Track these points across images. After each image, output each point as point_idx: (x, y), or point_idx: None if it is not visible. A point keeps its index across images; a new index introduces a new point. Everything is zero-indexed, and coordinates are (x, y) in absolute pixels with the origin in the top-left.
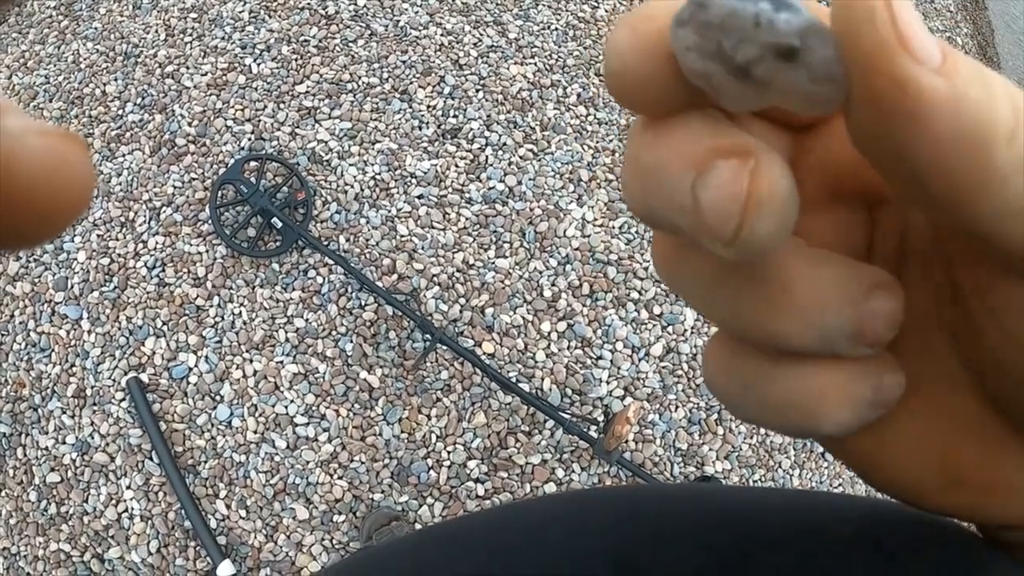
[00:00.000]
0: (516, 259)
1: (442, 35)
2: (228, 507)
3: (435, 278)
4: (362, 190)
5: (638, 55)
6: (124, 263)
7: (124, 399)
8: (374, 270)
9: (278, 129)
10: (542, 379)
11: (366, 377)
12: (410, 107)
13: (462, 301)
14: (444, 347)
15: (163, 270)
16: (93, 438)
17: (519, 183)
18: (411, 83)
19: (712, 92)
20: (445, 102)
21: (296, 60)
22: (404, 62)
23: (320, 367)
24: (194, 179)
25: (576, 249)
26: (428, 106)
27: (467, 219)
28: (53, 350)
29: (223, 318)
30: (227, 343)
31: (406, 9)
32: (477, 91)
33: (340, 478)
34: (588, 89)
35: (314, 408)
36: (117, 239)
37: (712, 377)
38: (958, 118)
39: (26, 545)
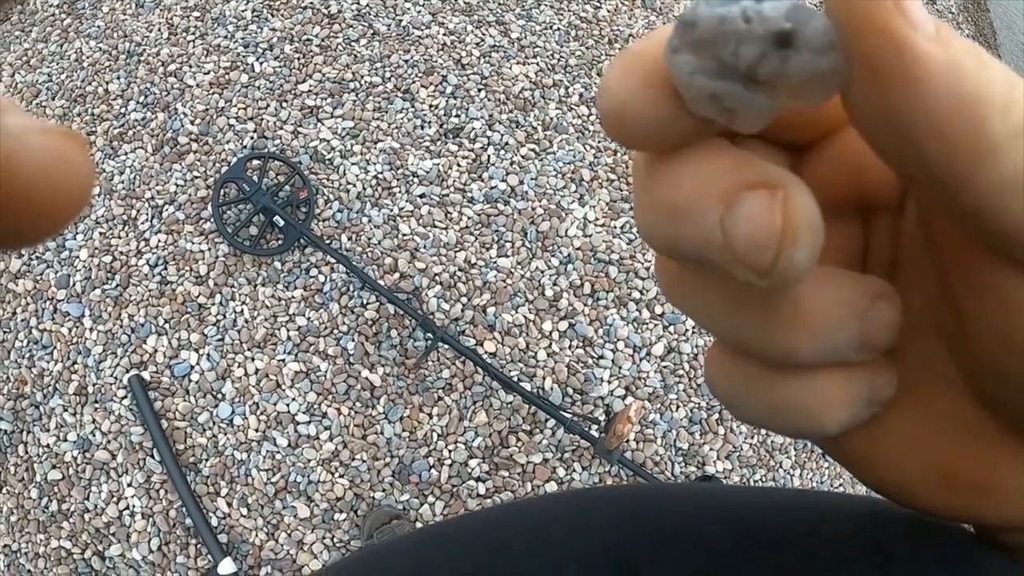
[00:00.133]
0: (518, 258)
1: (444, 34)
2: (229, 505)
3: (437, 277)
4: (364, 189)
5: (633, 95)
6: (126, 261)
7: (126, 397)
8: (376, 269)
9: (280, 128)
10: (543, 378)
11: (368, 376)
12: (412, 106)
13: (464, 300)
14: (446, 346)
15: (165, 268)
16: (94, 436)
17: (521, 183)
18: (413, 82)
19: (724, 116)
20: (447, 101)
21: (299, 59)
22: (406, 61)
23: (322, 365)
24: (196, 177)
25: (578, 248)
26: (430, 105)
27: (469, 218)
28: (55, 347)
29: (225, 316)
30: (229, 341)
31: (408, 8)
32: (479, 91)
33: (341, 476)
34: (590, 89)
35: (316, 406)
36: (119, 237)
37: (713, 380)
38: (954, 84)
39: (27, 542)
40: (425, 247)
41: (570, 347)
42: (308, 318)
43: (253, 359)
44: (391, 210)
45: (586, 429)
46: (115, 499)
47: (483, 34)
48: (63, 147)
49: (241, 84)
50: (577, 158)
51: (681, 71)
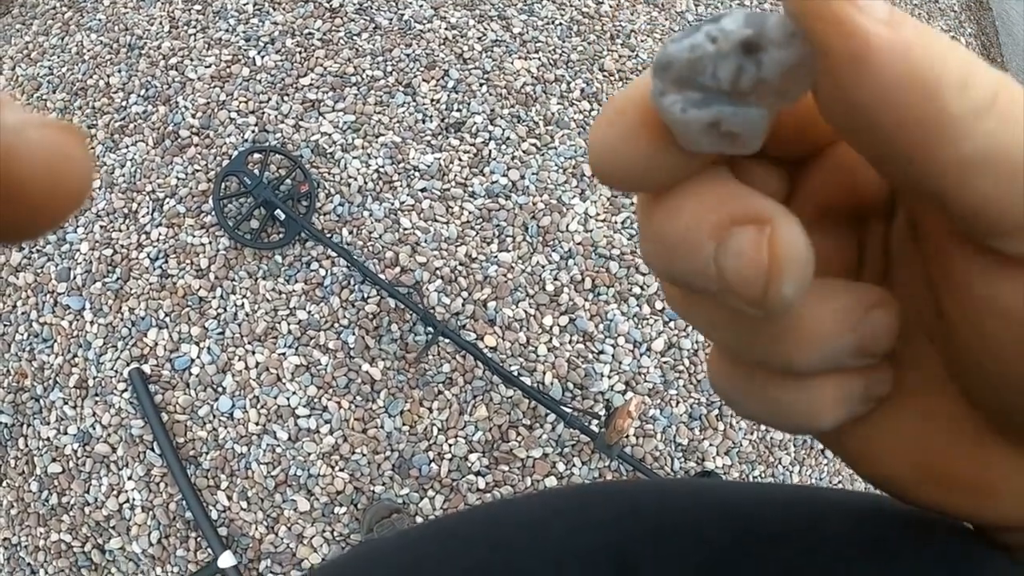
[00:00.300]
0: (518, 253)
1: (446, 29)
2: (229, 498)
3: (438, 271)
4: (365, 183)
5: (621, 144)
6: (127, 254)
7: (126, 390)
8: (377, 263)
9: (282, 121)
10: (544, 373)
11: (368, 369)
12: (414, 101)
13: (464, 294)
14: (446, 340)
15: (166, 261)
16: (95, 429)
17: (522, 177)
18: (415, 77)
19: (725, 143)
20: (449, 96)
21: (300, 53)
22: (408, 56)
23: (322, 359)
24: (197, 171)
25: (578, 244)
26: (432, 100)
27: (470, 213)
28: (55, 341)
29: (225, 309)
30: (229, 335)
31: (410, 3)
32: (481, 85)
33: (341, 470)
34: (592, 84)
35: (316, 400)
36: (120, 230)
37: (715, 380)
38: (905, 63)
39: (27, 535)
40: (426, 241)
41: (570, 342)
42: (309, 312)
43: (253, 352)
44: (392, 204)
45: (586, 424)
46: (115, 492)
47: (485, 29)
48: (62, 141)
49: (242, 78)
50: (578, 153)
51: (673, 111)
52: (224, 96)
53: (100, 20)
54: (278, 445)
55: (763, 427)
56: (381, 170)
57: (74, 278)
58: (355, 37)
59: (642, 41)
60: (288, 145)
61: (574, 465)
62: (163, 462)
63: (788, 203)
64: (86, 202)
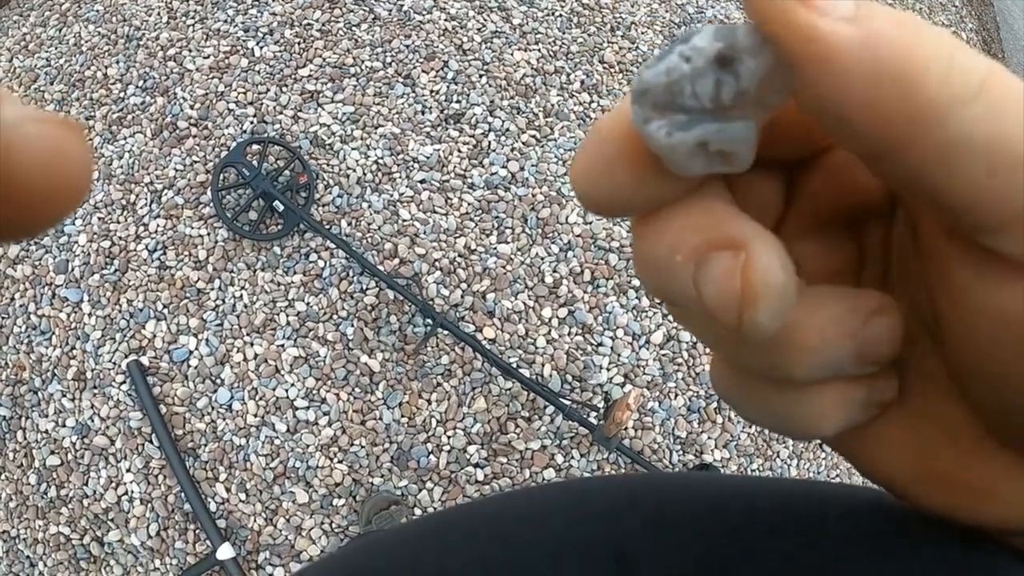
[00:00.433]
0: (518, 245)
1: (446, 20)
2: (228, 490)
3: (437, 263)
4: (364, 174)
5: (606, 176)
6: (125, 246)
7: (124, 382)
8: (376, 254)
9: (280, 112)
10: (542, 365)
11: (367, 361)
12: (413, 92)
13: (463, 286)
14: (445, 332)
15: (164, 253)
16: (93, 421)
17: (521, 169)
18: (414, 68)
19: (716, 163)
20: (448, 87)
21: (299, 43)
22: (407, 46)
23: (321, 351)
24: (196, 162)
25: (578, 236)
26: (431, 91)
27: (469, 204)
28: (53, 333)
29: (224, 301)
30: (228, 326)
31: None
32: (480, 76)
33: (340, 462)
34: (592, 76)
35: (314, 392)
36: (118, 222)
37: (716, 383)
38: (875, 57)
39: (26, 528)
40: (425, 233)
41: (569, 334)
42: (307, 303)
43: (252, 344)
44: (391, 195)
45: (585, 416)
46: (114, 485)
47: (485, 20)
48: (60, 136)
49: (241, 68)
50: (578, 145)
51: (659, 137)
52: (222, 87)
53: (98, 11)
54: (277, 437)
55: None
56: (380, 161)
57: (72, 270)
58: (354, 28)
59: (642, 33)
60: (287, 136)
61: (572, 457)
62: (161, 454)
63: (787, 208)
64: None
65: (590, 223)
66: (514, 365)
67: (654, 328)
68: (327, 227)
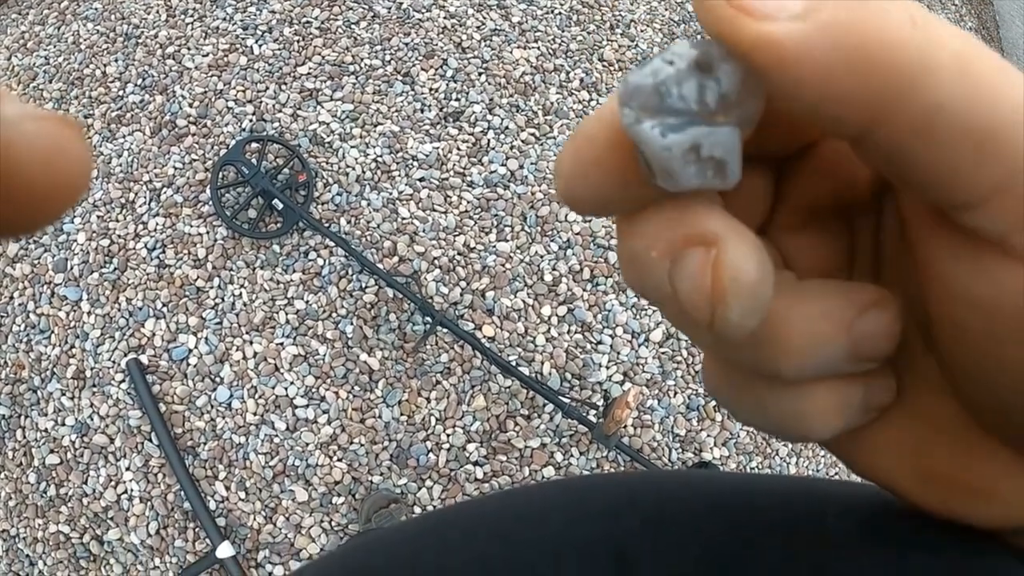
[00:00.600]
0: (517, 243)
1: (445, 18)
2: (227, 489)
3: (436, 261)
4: (363, 172)
5: (592, 175)
6: (124, 244)
7: (124, 381)
8: (375, 252)
9: (280, 111)
10: (542, 363)
11: (366, 359)
12: (412, 90)
13: (463, 284)
14: (444, 330)
15: (163, 251)
16: (92, 420)
17: (521, 167)
18: (413, 66)
19: (708, 172)
20: (447, 85)
21: (298, 41)
22: (407, 44)
23: (320, 349)
24: (195, 160)
25: (577, 234)
26: (430, 89)
27: (468, 202)
28: (53, 332)
29: (223, 299)
30: (227, 325)
31: None
32: (480, 74)
33: (339, 460)
34: (591, 74)
35: (314, 390)
36: (117, 220)
37: (707, 382)
38: (829, 44)
39: (25, 527)
40: (424, 231)
41: (569, 332)
42: (307, 301)
43: (251, 342)
44: (390, 193)
45: (584, 414)
46: (113, 483)
47: (484, 18)
48: (59, 134)
49: (240, 66)
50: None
51: (654, 137)
52: (221, 85)
53: (96, 9)
54: (276, 435)
55: None
56: (379, 159)
57: (71, 269)
58: (353, 26)
59: (642, 31)
60: (286, 134)
61: (572, 455)
62: (161, 453)
63: (777, 203)
64: (84, 194)
65: (589, 221)
66: (513, 363)
67: (653, 326)
68: (326, 225)
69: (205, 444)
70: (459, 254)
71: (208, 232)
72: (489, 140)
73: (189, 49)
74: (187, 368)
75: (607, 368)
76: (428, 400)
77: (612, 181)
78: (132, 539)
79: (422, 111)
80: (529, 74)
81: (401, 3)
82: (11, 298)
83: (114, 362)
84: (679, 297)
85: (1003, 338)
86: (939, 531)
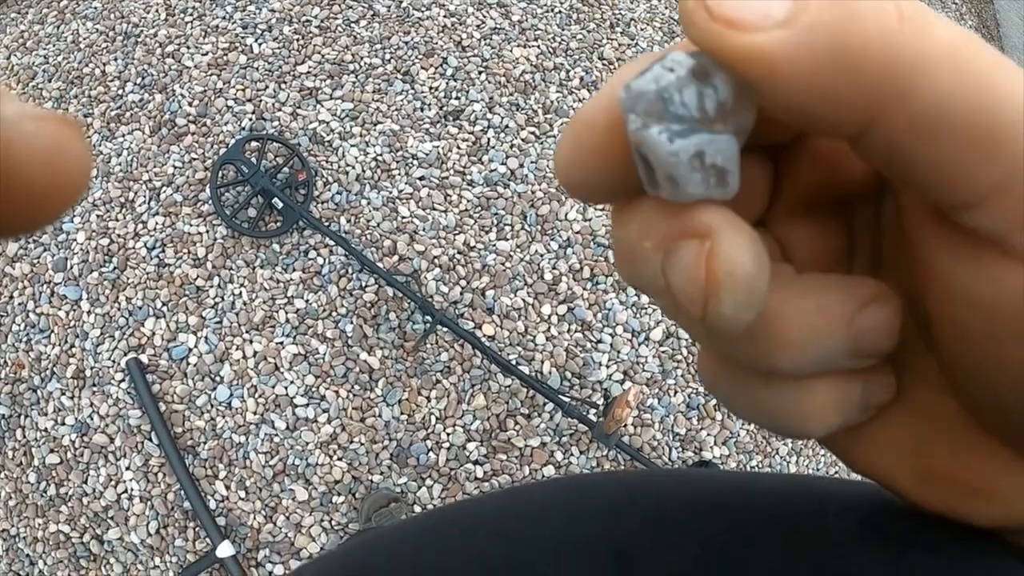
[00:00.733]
0: (517, 242)
1: (445, 16)
2: (227, 488)
3: (436, 260)
4: (363, 171)
5: (592, 159)
6: (124, 243)
7: (124, 380)
8: (375, 251)
9: (279, 109)
10: (542, 362)
11: (366, 358)
12: (412, 88)
13: (463, 283)
14: (444, 329)
15: (163, 250)
16: (92, 419)
17: (521, 166)
18: (413, 64)
19: (712, 181)
20: (447, 84)
21: (298, 40)
22: (407, 43)
23: (320, 348)
24: (194, 159)
25: (577, 232)
26: (430, 87)
27: (468, 201)
28: (52, 331)
29: (223, 299)
30: (227, 324)
31: None
32: (480, 73)
33: (339, 459)
34: (591, 73)
35: (314, 389)
36: (117, 219)
37: (704, 377)
38: (814, 48)
39: (25, 526)
40: (424, 230)
41: (569, 331)
42: (307, 300)
43: (251, 342)
44: (390, 192)
45: (584, 413)
46: (113, 483)
47: (484, 16)
48: (59, 133)
49: (239, 65)
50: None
51: (662, 142)
52: (221, 84)
53: (96, 8)
54: (276, 434)
55: None
56: (379, 158)
57: (71, 268)
58: (353, 24)
59: (642, 30)
60: (286, 133)
61: (572, 454)
62: (161, 452)
63: (776, 191)
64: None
65: (589, 220)
66: (513, 362)
67: (654, 325)
68: (326, 224)
69: (205, 443)
70: (459, 253)
71: (208, 231)
72: (489, 139)
73: (188, 48)
74: (187, 367)
75: (607, 367)
76: (428, 399)
77: (611, 167)
78: (132, 538)
79: (422, 110)
80: (529, 72)
81: (401, 2)
82: (11, 297)
83: (114, 361)
84: (672, 290)
85: (1003, 338)
86: (939, 530)
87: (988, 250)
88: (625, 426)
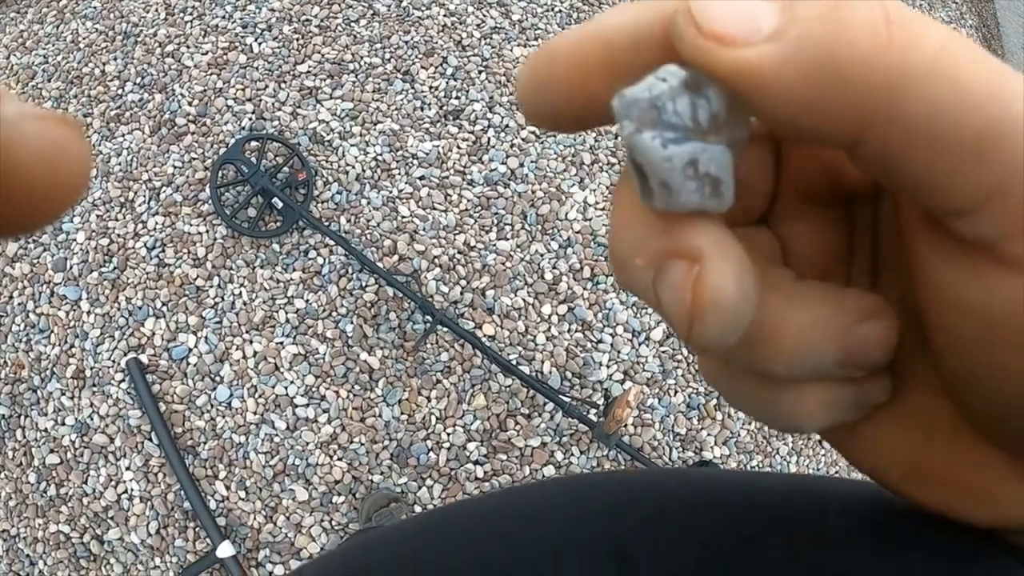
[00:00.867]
0: (517, 241)
1: (445, 15)
2: (228, 488)
3: (436, 260)
4: (363, 171)
5: (544, 94)
6: (123, 243)
7: (123, 380)
8: (375, 251)
9: (279, 109)
10: (542, 362)
11: (366, 358)
12: (412, 88)
13: (463, 283)
14: (445, 329)
15: (163, 250)
16: (92, 419)
17: (521, 165)
18: (413, 64)
19: (706, 191)
20: (447, 83)
21: (297, 39)
22: (406, 42)
23: (320, 348)
24: (194, 159)
25: (577, 232)
26: (430, 87)
27: (469, 201)
28: (52, 331)
29: (223, 299)
30: (227, 324)
31: None
32: (480, 72)
33: (340, 459)
34: None
35: (314, 389)
36: (116, 219)
37: (704, 372)
38: (802, 60)
39: (25, 527)
40: (424, 229)
41: (569, 331)
42: (307, 300)
43: (251, 342)
44: (390, 192)
45: (584, 413)
46: (113, 483)
47: (484, 15)
48: (60, 133)
49: (239, 65)
50: (578, 141)
51: (654, 148)
52: (221, 84)
53: (95, 8)
54: (276, 434)
55: None
56: (379, 158)
57: (71, 268)
58: (353, 24)
59: None
60: (285, 133)
61: (572, 454)
62: (161, 452)
63: (777, 185)
64: (83, 194)
65: (589, 219)
66: (514, 362)
67: (654, 325)
68: (326, 224)
69: (205, 443)
70: (459, 253)
71: (208, 231)
72: (489, 138)
73: (188, 47)
74: (187, 367)
75: (607, 367)
76: (428, 399)
77: (568, 96)
78: (132, 539)
79: (422, 109)
80: None
81: (401, 1)
82: (10, 297)
83: (114, 361)
84: (661, 305)
85: (995, 345)
86: (939, 530)
87: (980, 257)
88: (625, 426)
